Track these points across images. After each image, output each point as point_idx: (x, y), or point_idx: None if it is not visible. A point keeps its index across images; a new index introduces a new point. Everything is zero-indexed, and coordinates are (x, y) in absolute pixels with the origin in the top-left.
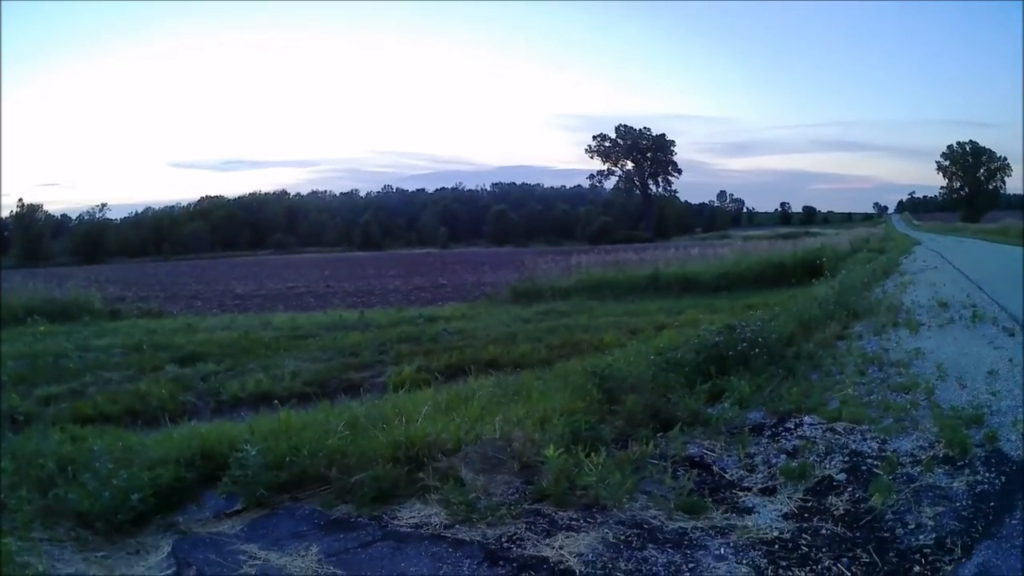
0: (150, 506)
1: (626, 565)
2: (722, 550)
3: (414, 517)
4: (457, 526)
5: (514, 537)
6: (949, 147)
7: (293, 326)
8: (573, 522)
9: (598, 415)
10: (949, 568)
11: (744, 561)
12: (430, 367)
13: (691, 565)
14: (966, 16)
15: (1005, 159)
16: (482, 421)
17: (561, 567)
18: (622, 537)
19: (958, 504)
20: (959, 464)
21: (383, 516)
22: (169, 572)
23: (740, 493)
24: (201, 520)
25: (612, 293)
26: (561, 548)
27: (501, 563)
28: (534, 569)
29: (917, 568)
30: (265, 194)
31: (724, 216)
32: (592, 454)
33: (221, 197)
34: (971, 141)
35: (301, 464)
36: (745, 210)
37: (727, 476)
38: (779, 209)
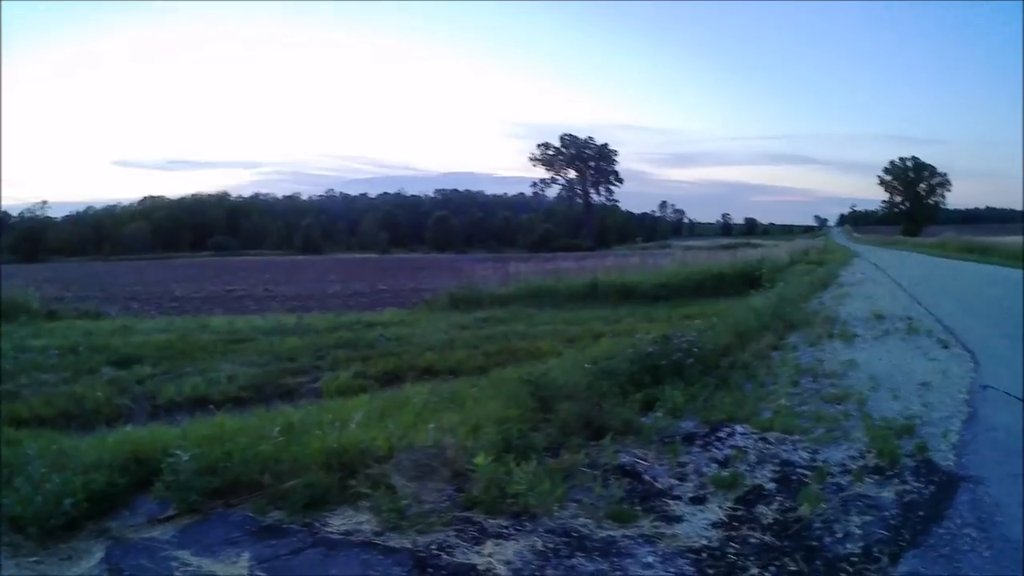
0: (83, 511)
1: (554, 573)
2: (649, 558)
3: (345, 524)
4: (388, 533)
5: (444, 545)
6: (891, 162)
7: (231, 330)
8: (503, 530)
9: (531, 423)
10: None
11: (671, 569)
12: (367, 373)
13: (618, 573)
14: (911, 35)
15: (946, 175)
16: (416, 428)
17: (490, 575)
18: (551, 545)
19: (886, 513)
20: (889, 474)
21: (315, 523)
22: None
23: (670, 502)
24: (134, 526)
25: (551, 301)
26: (490, 556)
27: (430, 570)
28: None
29: None
30: (207, 195)
31: (665, 226)
32: (523, 462)
33: (163, 197)
34: (913, 157)
35: (234, 470)
36: (686, 220)
37: (658, 485)
38: (720, 220)
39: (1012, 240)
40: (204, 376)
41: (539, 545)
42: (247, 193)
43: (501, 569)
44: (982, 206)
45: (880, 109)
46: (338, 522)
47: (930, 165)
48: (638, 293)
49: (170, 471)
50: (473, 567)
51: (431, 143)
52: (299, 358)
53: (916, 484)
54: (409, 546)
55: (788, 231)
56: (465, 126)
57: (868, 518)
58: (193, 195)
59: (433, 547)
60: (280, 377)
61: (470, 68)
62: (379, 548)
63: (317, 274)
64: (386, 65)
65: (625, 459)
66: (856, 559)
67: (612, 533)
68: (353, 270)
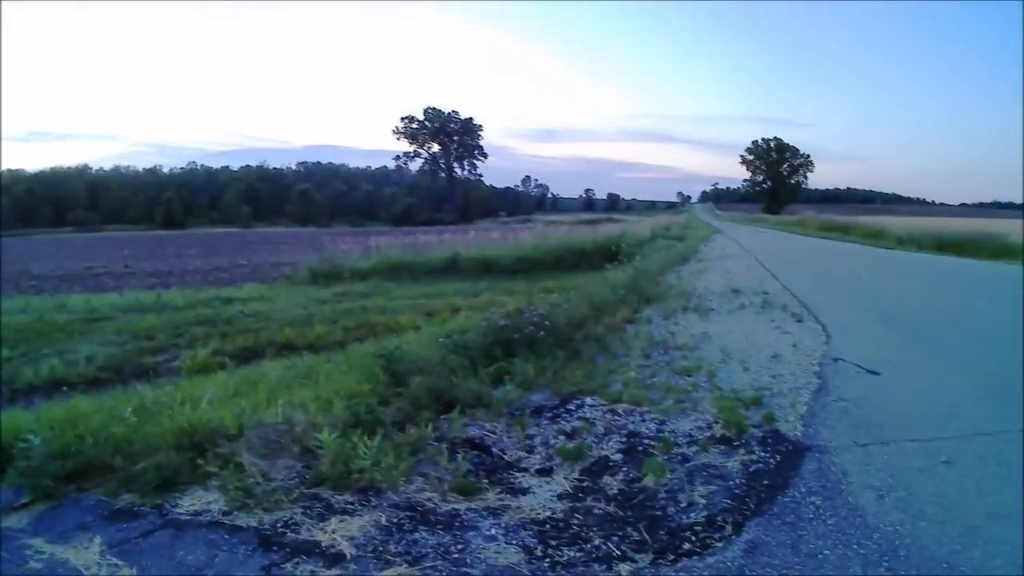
0: None
1: (396, 547)
2: (493, 531)
3: (195, 504)
4: (235, 512)
5: (290, 522)
6: (754, 142)
7: (89, 308)
8: (348, 506)
9: (382, 397)
10: (719, 545)
11: (514, 541)
12: (225, 350)
13: (460, 547)
14: (779, 22)
15: (808, 156)
16: (268, 405)
17: (332, 551)
18: (395, 520)
19: (731, 483)
20: (735, 444)
21: (165, 504)
22: None
23: (517, 474)
24: None
25: (411, 275)
26: (334, 532)
27: (275, 548)
28: (306, 553)
29: (687, 545)
30: (67, 168)
31: (528, 201)
32: (370, 437)
33: (22, 171)
34: (776, 138)
35: (87, 453)
36: (550, 195)
37: (506, 457)
38: (584, 196)
39: (870, 220)
40: (62, 358)
41: (383, 520)
42: (108, 166)
43: (344, 545)
44: (843, 187)
45: (747, 92)
46: (188, 503)
47: (792, 146)
48: (498, 267)
49: (23, 457)
50: (317, 543)
51: (294, 115)
52: (157, 336)
53: (762, 454)
54: (255, 525)
55: (651, 207)
56: (331, 98)
57: (713, 488)
58: (52, 168)
59: (279, 525)
60: (139, 356)
61: (335, 40)
62: (226, 528)
63: (177, 249)
64: (248, 33)
65: (474, 432)
66: (700, 528)
67: (457, 507)
68: (214, 245)
